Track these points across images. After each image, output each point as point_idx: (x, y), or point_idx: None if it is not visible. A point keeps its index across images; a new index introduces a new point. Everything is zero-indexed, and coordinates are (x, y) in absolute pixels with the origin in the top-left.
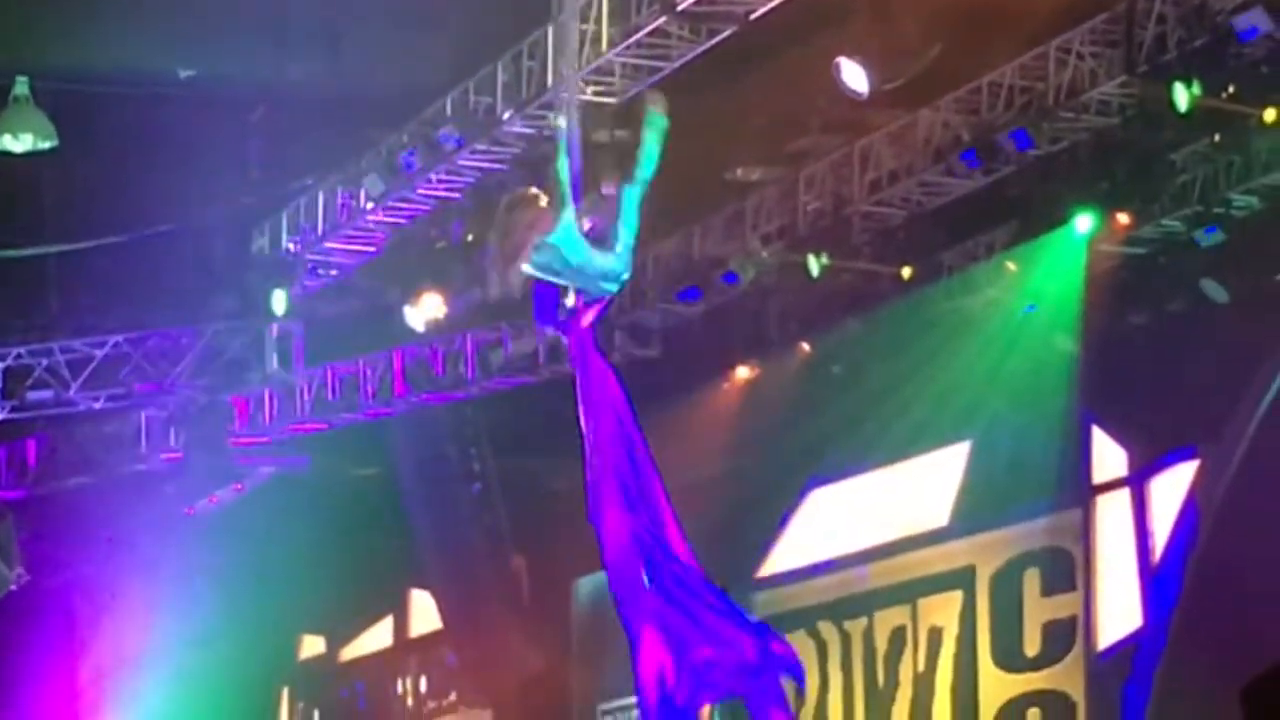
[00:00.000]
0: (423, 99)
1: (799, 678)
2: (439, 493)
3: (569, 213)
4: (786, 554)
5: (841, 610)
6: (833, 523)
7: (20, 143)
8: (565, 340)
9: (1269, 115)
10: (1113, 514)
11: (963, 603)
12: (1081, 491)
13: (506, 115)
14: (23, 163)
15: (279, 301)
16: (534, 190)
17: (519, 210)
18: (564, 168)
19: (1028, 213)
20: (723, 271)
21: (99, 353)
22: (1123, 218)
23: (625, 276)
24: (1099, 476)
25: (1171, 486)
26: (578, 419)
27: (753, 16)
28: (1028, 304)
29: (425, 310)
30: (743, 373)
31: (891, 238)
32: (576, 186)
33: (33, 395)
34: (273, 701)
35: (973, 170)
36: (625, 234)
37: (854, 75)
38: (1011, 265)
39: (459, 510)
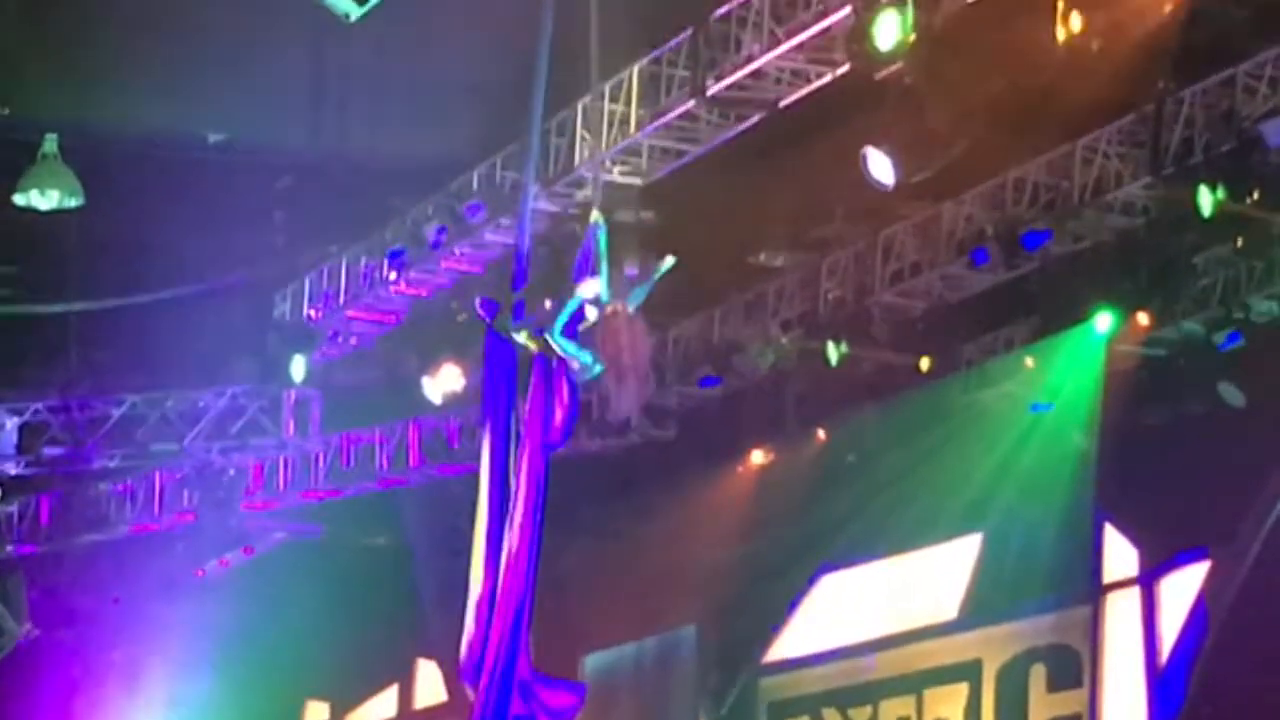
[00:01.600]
0: (450, 172)
1: None
2: (450, 564)
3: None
4: (794, 639)
5: (847, 698)
6: (842, 610)
7: (47, 199)
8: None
9: None
10: (1122, 613)
11: (968, 695)
12: (1091, 589)
13: (533, 191)
14: (48, 219)
15: (298, 368)
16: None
17: (616, 334)
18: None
19: (1048, 309)
20: (742, 355)
21: (116, 411)
22: (1143, 318)
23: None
24: (1110, 575)
25: (1182, 587)
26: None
27: (782, 104)
28: (1039, 403)
29: (443, 382)
30: (758, 457)
31: (911, 328)
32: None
33: (49, 451)
34: None
35: (995, 265)
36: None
37: (880, 165)
38: (1030, 361)
39: (468, 583)
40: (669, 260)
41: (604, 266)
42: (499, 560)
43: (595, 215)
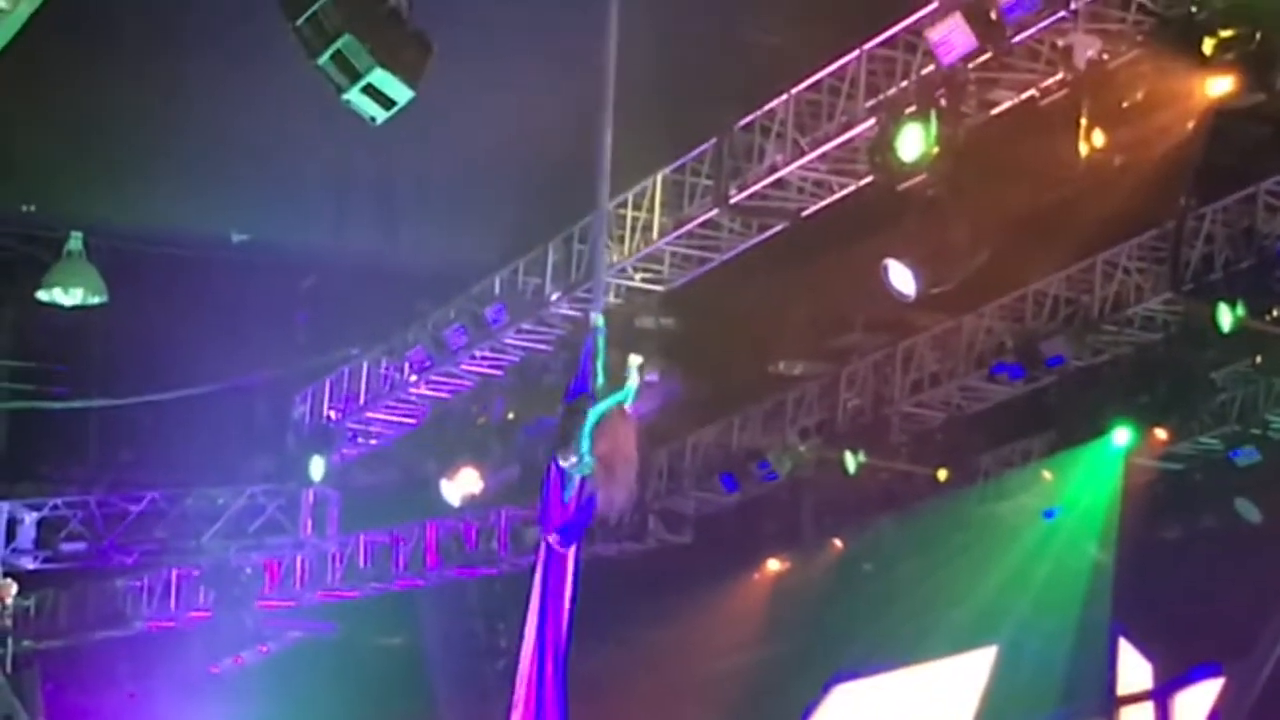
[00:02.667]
0: (472, 276)
1: None
2: (464, 666)
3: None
4: None
5: None
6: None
7: (70, 296)
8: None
9: None
10: None
11: None
12: (1105, 702)
13: (554, 297)
14: (71, 316)
15: (317, 468)
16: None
17: (610, 433)
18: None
19: (1066, 423)
20: (760, 463)
21: (135, 508)
22: (1160, 433)
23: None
24: (1124, 688)
25: (1195, 703)
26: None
27: (804, 214)
28: (1052, 510)
29: (461, 485)
30: (774, 565)
31: (929, 439)
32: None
33: (66, 547)
34: None
35: (1014, 378)
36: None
37: (901, 277)
38: (1047, 474)
39: (483, 685)
40: (636, 359)
41: (600, 367)
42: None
43: (595, 318)
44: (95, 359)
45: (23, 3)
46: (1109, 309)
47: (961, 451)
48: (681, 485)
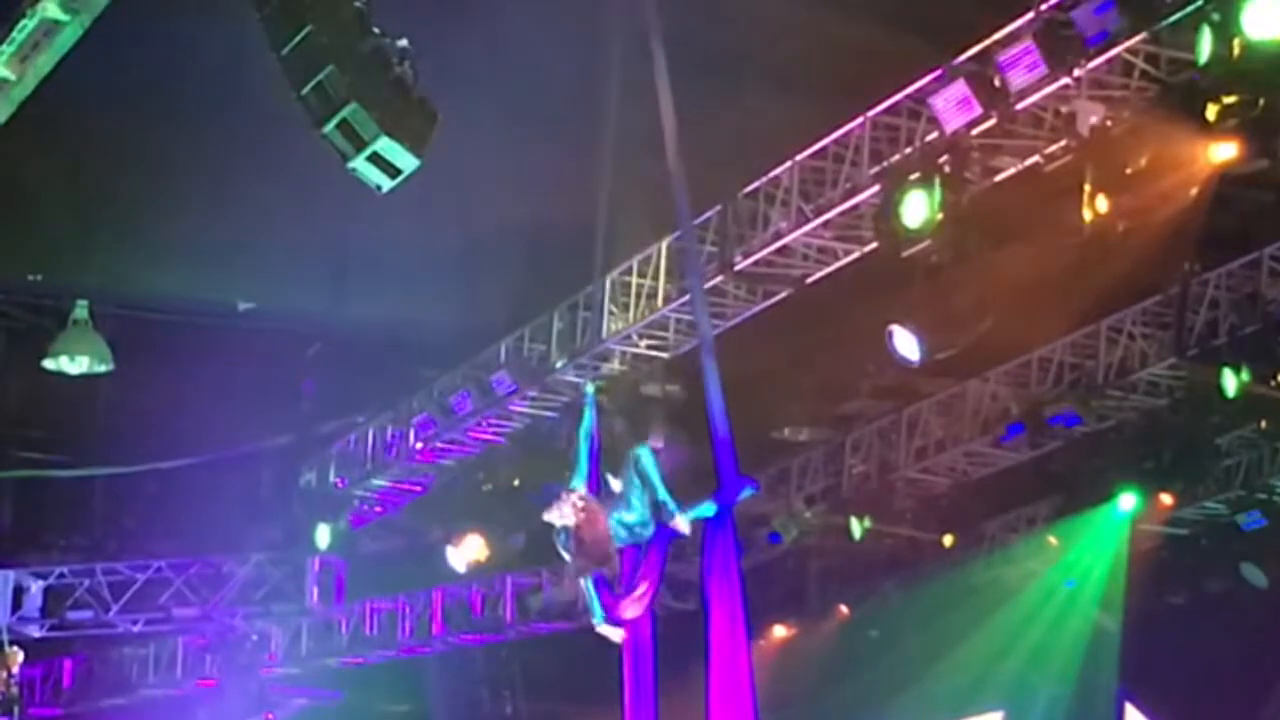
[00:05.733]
0: (478, 343)
1: None
2: None
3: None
4: None
5: None
6: None
7: (76, 365)
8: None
9: None
10: None
11: None
12: None
13: (559, 364)
14: (77, 384)
15: (323, 536)
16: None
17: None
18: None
19: (1072, 488)
20: (765, 529)
21: (141, 576)
22: (1166, 498)
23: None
24: None
25: None
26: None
27: (809, 280)
28: (1068, 579)
29: (467, 552)
30: (780, 631)
31: (935, 505)
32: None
33: (73, 615)
34: None
35: (1019, 443)
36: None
37: (906, 343)
38: (1053, 540)
39: None
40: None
41: (584, 434)
42: None
43: (588, 387)
44: (101, 427)
45: (29, 74)
46: (1114, 374)
47: (967, 517)
48: (686, 552)
